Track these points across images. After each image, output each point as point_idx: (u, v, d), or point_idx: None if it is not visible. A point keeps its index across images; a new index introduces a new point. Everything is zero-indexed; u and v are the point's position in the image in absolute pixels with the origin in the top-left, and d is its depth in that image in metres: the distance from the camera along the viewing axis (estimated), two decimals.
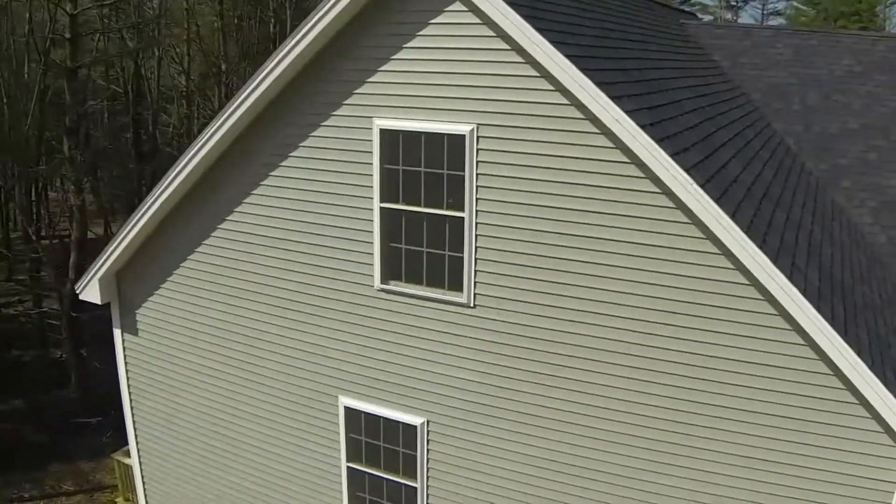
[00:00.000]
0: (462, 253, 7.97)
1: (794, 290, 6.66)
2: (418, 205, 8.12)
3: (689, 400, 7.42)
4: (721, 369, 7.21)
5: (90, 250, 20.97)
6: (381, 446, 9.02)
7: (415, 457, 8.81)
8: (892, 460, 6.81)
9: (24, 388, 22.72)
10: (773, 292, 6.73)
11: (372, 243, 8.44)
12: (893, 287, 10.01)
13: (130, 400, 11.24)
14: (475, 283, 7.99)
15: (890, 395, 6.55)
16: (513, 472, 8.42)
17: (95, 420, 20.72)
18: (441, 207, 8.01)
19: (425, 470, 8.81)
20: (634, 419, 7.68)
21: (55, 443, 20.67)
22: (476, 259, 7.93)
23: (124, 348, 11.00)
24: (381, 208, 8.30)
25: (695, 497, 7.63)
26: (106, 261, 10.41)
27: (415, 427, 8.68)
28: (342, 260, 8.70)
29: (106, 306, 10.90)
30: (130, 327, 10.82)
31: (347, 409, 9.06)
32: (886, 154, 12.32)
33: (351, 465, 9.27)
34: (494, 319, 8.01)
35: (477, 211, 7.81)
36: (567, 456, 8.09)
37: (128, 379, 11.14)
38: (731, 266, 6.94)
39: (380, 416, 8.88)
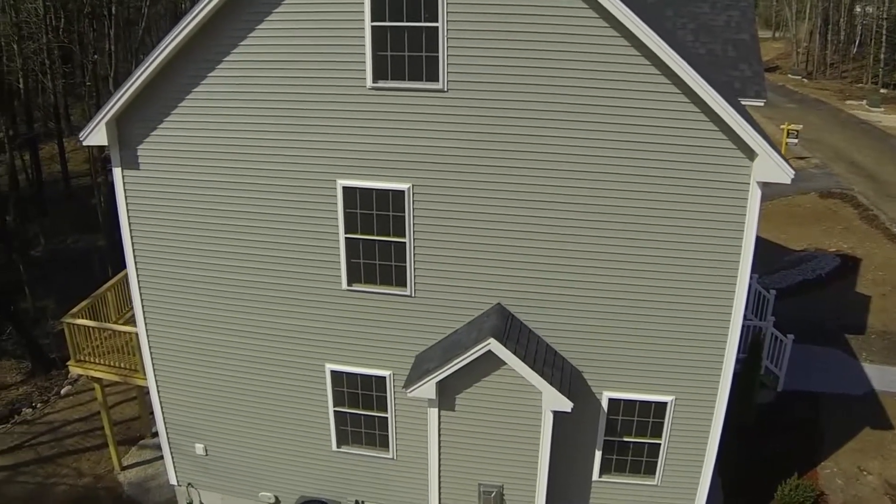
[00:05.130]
0: (437, 53, 10.97)
1: (675, 54, 10.23)
2: (401, 20, 11.02)
3: (603, 139, 10.91)
4: (612, 114, 10.78)
5: None
6: (373, 214, 11.79)
7: (403, 218, 11.67)
8: (744, 168, 10.64)
9: None
10: (662, 58, 10.26)
11: (364, 54, 11.21)
12: None
13: (131, 233, 13.18)
14: (448, 72, 11.00)
15: (740, 118, 10.27)
16: (485, 228, 11.59)
17: None
18: (420, 21, 10.97)
19: (412, 227, 11.70)
20: (569, 165, 11.09)
21: None
22: (448, 56, 10.95)
23: (124, 184, 12.93)
24: (372, 27, 11.11)
25: (599, 201, 11.17)
26: (112, 107, 12.33)
27: (402, 191, 11.56)
28: (338, 71, 11.38)
29: None
30: (131, 163, 12.75)
31: (345, 188, 11.76)
32: None
33: (349, 235, 11.97)
34: (463, 98, 11.08)
35: (448, 21, 10.83)
36: (528, 202, 11.37)
37: (128, 213, 13.07)
38: (628, 43, 10.46)
39: (372, 189, 11.68)
